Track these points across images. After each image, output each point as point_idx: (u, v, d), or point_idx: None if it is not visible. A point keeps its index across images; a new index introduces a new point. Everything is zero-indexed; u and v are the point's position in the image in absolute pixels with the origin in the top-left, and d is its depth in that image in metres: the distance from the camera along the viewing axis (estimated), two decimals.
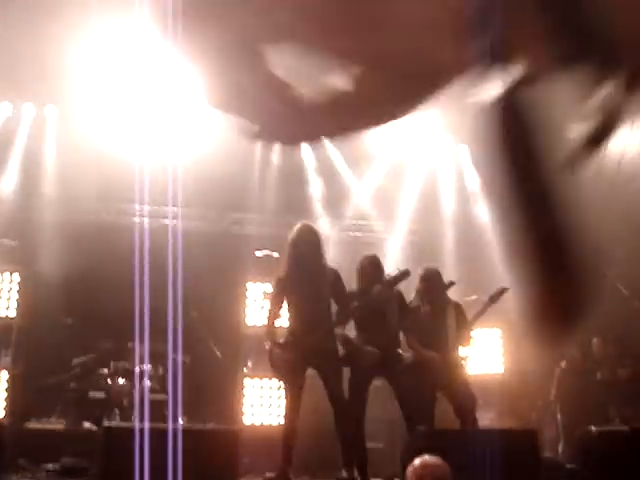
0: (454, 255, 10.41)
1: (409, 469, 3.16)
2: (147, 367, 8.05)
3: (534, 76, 1.53)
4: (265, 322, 6.62)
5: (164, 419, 6.90)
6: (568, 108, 1.73)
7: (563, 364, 9.60)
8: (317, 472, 7.17)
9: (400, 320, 6.26)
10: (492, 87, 1.50)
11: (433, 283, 6.65)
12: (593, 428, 6.08)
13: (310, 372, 6.01)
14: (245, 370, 8.90)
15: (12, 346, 8.60)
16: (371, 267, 6.26)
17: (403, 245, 10.74)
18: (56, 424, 7.84)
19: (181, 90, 9.15)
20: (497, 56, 1.46)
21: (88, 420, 7.83)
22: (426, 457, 3.19)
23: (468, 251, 10.40)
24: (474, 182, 10.99)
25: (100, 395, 7.98)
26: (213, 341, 8.78)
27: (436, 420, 6.45)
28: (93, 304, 9.04)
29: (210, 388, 8.90)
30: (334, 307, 6.13)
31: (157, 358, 8.08)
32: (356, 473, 5.80)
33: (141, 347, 7.79)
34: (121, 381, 8.03)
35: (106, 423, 7.07)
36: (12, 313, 8.79)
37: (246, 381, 8.74)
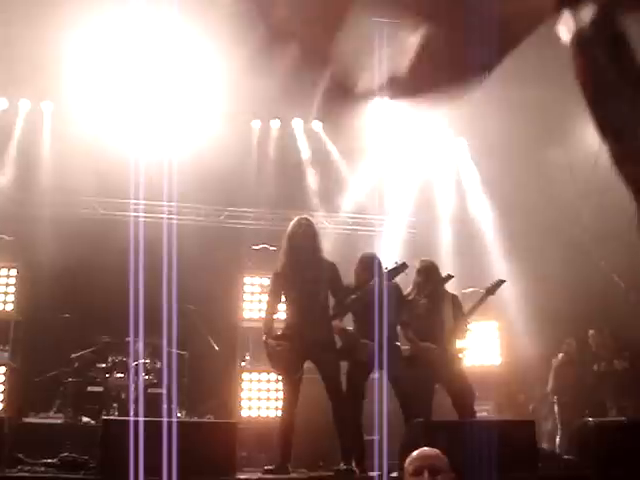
0: (451, 248, 10.43)
1: (407, 461, 3.16)
2: (143, 361, 8.07)
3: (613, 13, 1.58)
4: (263, 315, 6.63)
5: (162, 412, 6.92)
6: None
7: (560, 356, 9.64)
8: (315, 465, 7.18)
9: (398, 313, 6.27)
10: (575, 24, 1.54)
11: (430, 276, 6.67)
12: (590, 419, 6.11)
13: (308, 365, 6.02)
14: (243, 363, 8.92)
15: (10, 341, 8.61)
16: (371, 266, 6.25)
17: (400, 238, 10.75)
18: (54, 418, 7.85)
19: (177, 85, 9.15)
20: None
21: (86, 414, 7.84)
22: (424, 449, 3.19)
23: (465, 244, 10.42)
24: (472, 176, 11.01)
25: (98, 389, 8.00)
26: (211, 335, 8.79)
27: (434, 412, 6.47)
28: (90, 299, 9.06)
29: (208, 381, 8.92)
30: (331, 300, 6.14)
31: (155, 352, 8.10)
32: (354, 465, 5.82)
33: (138, 341, 7.81)
34: (119, 375, 8.04)
35: (104, 417, 7.11)
36: (9, 308, 8.78)
37: (244, 374, 8.75)
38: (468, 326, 6.81)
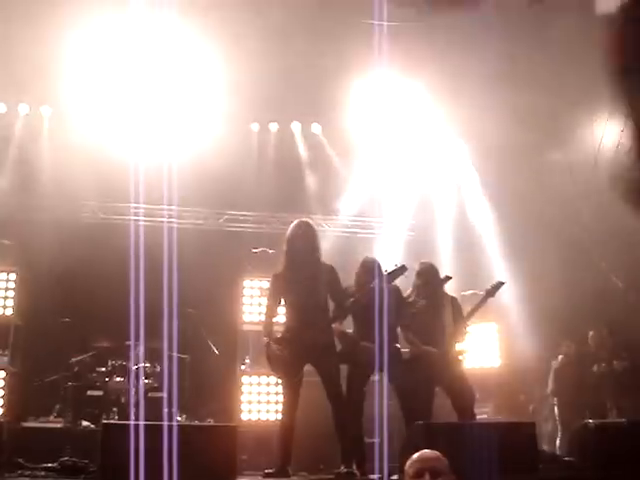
0: (451, 250, 10.42)
1: (407, 463, 3.16)
2: (143, 365, 8.07)
3: None
4: (262, 319, 6.64)
5: (162, 416, 6.91)
6: None
7: (560, 357, 9.64)
8: (316, 468, 7.18)
9: (397, 315, 6.27)
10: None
11: (430, 278, 6.67)
12: (590, 421, 6.10)
13: (308, 368, 6.02)
14: (243, 367, 8.91)
15: (9, 345, 8.60)
16: (372, 269, 6.25)
17: (400, 241, 10.75)
18: (54, 422, 7.85)
19: (176, 88, 9.16)
20: None
21: (86, 418, 7.84)
22: (425, 451, 3.19)
23: (464, 246, 10.42)
24: (471, 178, 11.01)
25: (98, 393, 7.99)
26: (211, 338, 8.80)
27: (434, 414, 6.47)
28: (90, 303, 9.06)
29: (208, 385, 8.92)
30: (331, 304, 6.14)
31: (155, 356, 8.10)
32: (355, 468, 5.81)
33: (138, 345, 7.81)
34: (119, 379, 8.04)
35: (104, 421, 7.10)
36: (9, 312, 8.78)
37: (244, 378, 8.75)
38: (467, 328, 6.81)
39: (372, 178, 10.52)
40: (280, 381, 6.38)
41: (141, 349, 7.93)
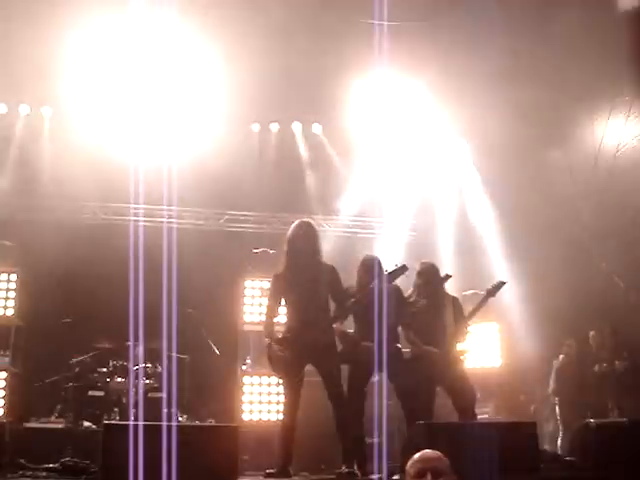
0: (452, 250, 10.42)
1: (409, 463, 3.16)
2: (144, 365, 8.07)
3: None
4: (263, 319, 6.63)
5: (163, 417, 6.91)
6: None
7: (561, 357, 9.64)
8: (317, 468, 7.18)
9: (398, 315, 6.27)
10: None
11: (431, 278, 6.66)
12: (592, 420, 6.10)
13: (309, 368, 6.01)
14: (244, 367, 8.92)
15: (11, 346, 8.61)
16: (373, 268, 6.25)
17: (401, 241, 10.76)
18: (56, 423, 7.85)
19: (176, 90, 9.17)
20: None
21: (87, 419, 7.84)
22: (426, 451, 3.19)
23: (465, 246, 10.42)
24: (472, 177, 11.01)
25: (99, 394, 7.99)
26: (212, 339, 8.80)
27: (435, 414, 6.47)
28: (91, 303, 9.06)
29: (209, 385, 8.93)
30: (332, 304, 6.14)
31: (157, 356, 8.10)
32: (356, 468, 5.81)
33: (139, 346, 7.82)
34: (120, 379, 8.04)
35: (105, 421, 7.10)
36: (10, 313, 8.78)
37: (245, 378, 8.75)
38: (468, 328, 6.80)
39: (373, 178, 10.52)
40: (281, 381, 6.38)
41: (141, 349, 7.93)
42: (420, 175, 10.90)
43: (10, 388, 8.32)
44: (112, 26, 8.31)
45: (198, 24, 8.15)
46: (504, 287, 6.83)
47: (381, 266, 6.24)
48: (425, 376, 6.30)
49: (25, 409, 8.23)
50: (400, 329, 6.43)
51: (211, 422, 8.09)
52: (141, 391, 7.85)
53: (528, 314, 9.69)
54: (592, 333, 9.55)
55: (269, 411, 8.62)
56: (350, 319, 6.33)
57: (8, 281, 8.86)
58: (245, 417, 8.59)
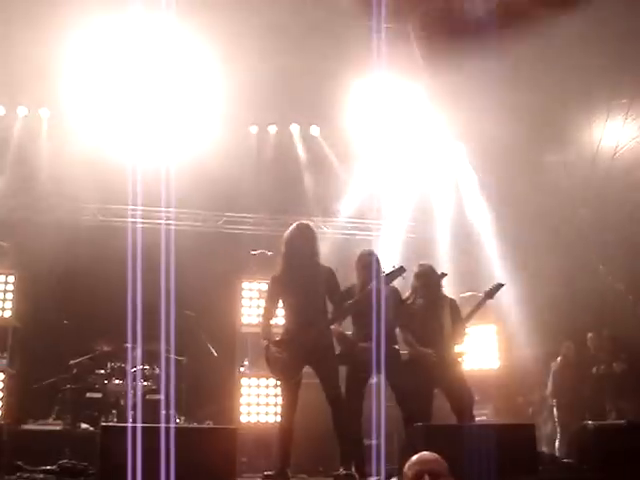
0: (449, 252, 10.42)
1: (407, 465, 3.15)
2: (142, 367, 8.06)
3: None
4: (261, 321, 6.63)
5: (161, 418, 6.91)
6: None
7: (559, 359, 9.64)
8: (315, 470, 7.18)
9: (396, 317, 6.27)
10: None
11: (428, 280, 6.66)
12: (590, 422, 6.10)
13: (307, 370, 6.01)
14: (242, 369, 8.91)
15: (8, 348, 8.61)
16: (370, 263, 6.26)
17: (398, 242, 10.76)
18: (53, 425, 7.84)
19: (174, 91, 9.17)
20: None
21: (85, 420, 7.83)
22: (424, 453, 3.18)
23: (463, 248, 10.43)
24: (470, 179, 11.02)
25: (97, 395, 7.98)
26: (209, 340, 8.79)
27: (433, 416, 6.46)
28: (89, 305, 9.05)
29: (207, 387, 8.92)
30: (330, 305, 6.14)
31: (155, 358, 8.09)
32: (354, 470, 5.81)
33: (137, 348, 7.81)
34: (118, 381, 8.03)
35: (103, 423, 7.09)
36: (7, 314, 8.78)
37: (243, 380, 8.74)
38: (466, 330, 6.81)
39: (371, 180, 10.53)
40: (279, 383, 6.38)
41: (138, 351, 7.92)
42: (418, 177, 10.90)
43: (7, 390, 8.32)
44: (110, 28, 8.31)
45: (196, 26, 8.15)
46: (502, 289, 6.84)
47: (379, 262, 6.25)
48: (423, 378, 6.29)
49: (23, 411, 8.22)
50: (398, 331, 6.43)
51: (209, 424, 8.08)
52: (139, 393, 7.84)
53: (526, 316, 9.69)
54: (590, 335, 9.56)
55: (267, 413, 8.62)
56: (348, 321, 6.33)
57: (6, 282, 8.87)
58: (243, 419, 8.59)
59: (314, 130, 10.67)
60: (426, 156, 10.88)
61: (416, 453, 3.21)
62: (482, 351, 9.55)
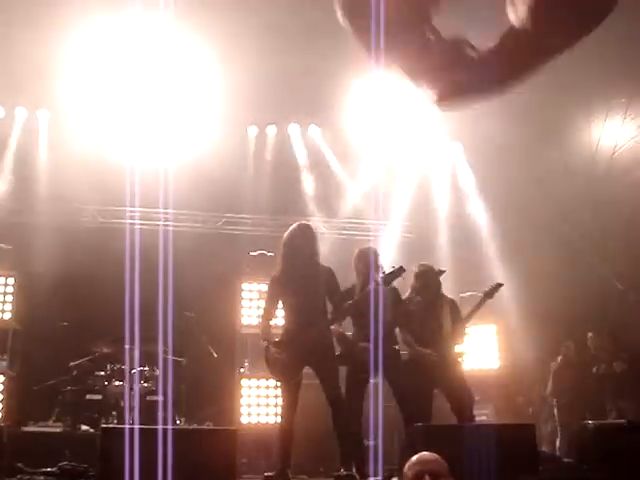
0: (449, 252, 10.43)
1: (406, 466, 3.16)
2: (142, 369, 8.05)
3: None
4: (261, 321, 6.63)
5: (161, 420, 6.90)
6: None
7: (559, 359, 9.64)
8: (315, 471, 7.18)
9: (395, 317, 6.27)
10: None
11: (428, 280, 6.66)
12: (590, 422, 6.10)
13: (307, 370, 6.01)
14: (242, 370, 8.91)
15: (8, 350, 8.60)
16: (368, 258, 6.25)
17: (398, 243, 10.76)
18: (53, 427, 7.83)
19: (173, 92, 9.16)
20: None
21: (85, 422, 7.82)
22: (424, 453, 3.19)
23: (462, 248, 10.43)
24: (468, 180, 11.02)
25: (97, 397, 7.97)
26: (209, 342, 8.78)
27: (433, 416, 6.46)
28: (89, 307, 9.05)
29: (207, 388, 8.91)
30: (329, 306, 6.14)
31: (155, 359, 8.08)
32: (354, 471, 5.81)
33: (136, 349, 7.80)
34: (118, 383, 8.03)
35: (103, 425, 7.09)
36: (7, 317, 8.78)
37: (243, 381, 8.74)
38: (467, 330, 6.81)
39: (370, 180, 10.53)
40: (279, 384, 6.38)
41: (136, 352, 7.91)
42: (416, 177, 10.91)
43: (8, 392, 8.31)
44: (108, 29, 8.30)
45: (195, 27, 8.14)
46: (501, 289, 6.84)
47: (377, 257, 6.25)
48: (423, 378, 6.29)
49: (23, 413, 8.21)
50: (397, 331, 6.44)
51: (209, 425, 8.08)
52: (139, 395, 7.83)
53: (526, 316, 9.69)
54: (590, 335, 9.55)
55: (267, 414, 8.61)
56: (348, 321, 6.33)
57: (5, 284, 8.86)
58: (243, 420, 8.58)
59: (313, 130, 10.67)
60: (425, 156, 10.88)
61: (416, 453, 3.21)
62: (482, 351, 9.55)
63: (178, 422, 7.84)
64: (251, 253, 9.53)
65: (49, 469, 5.54)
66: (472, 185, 10.95)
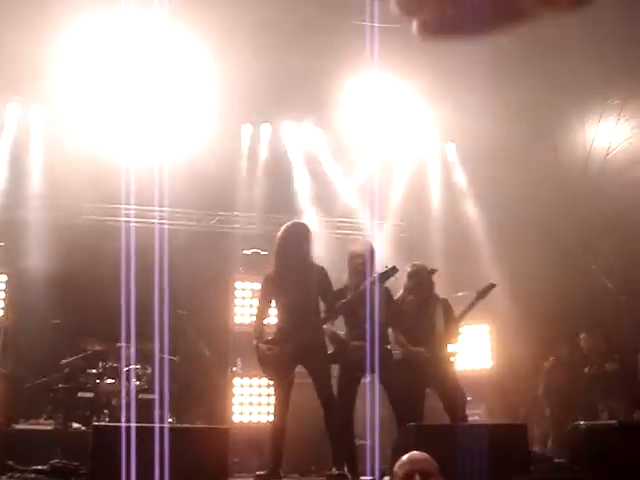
0: (442, 252, 10.42)
1: (397, 465, 3.16)
2: (134, 367, 8.04)
3: None
4: (254, 320, 6.62)
5: (153, 418, 6.89)
6: None
7: (551, 359, 9.65)
8: (307, 470, 7.18)
9: (388, 316, 6.27)
10: None
11: (421, 279, 6.66)
12: (582, 422, 6.11)
13: (299, 370, 6.01)
14: (234, 369, 8.90)
15: (0, 347, 8.57)
16: (363, 257, 6.24)
17: (391, 242, 10.75)
18: (45, 424, 7.82)
19: (167, 89, 9.15)
20: None
21: (77, 420, 7.81)
22: (414, 453, 3.19)
23: (456, 248, 10.42)
24: (462, 179, 11.02)
25: (89, 395, 7.96)
26: (202, 340, 8.78)
27: (426, 416, 6.47)
28: (81, 304, 9.02)
29: (199, 387, 8.90)
30: (322, 305, 6.14)
31: (146, 357, 8.07)
32: (346, 470, 5.81)
33: (129, 347, 7.79)
34: (109, 381, 8.02)
35: (95, 423, 7.08)
36: None
37: (235, 380, 8.73)
38: (459, 330, 6.81)
39: (364, 179, 10.52)
40: (271, 383, 6.38)
41: (131, 350, 7.90)
42: (410, 176, 10.91)
43: None
44: (102, 26, 8.28)
45: (189, 23, 8.13)
46: (494, 289, 6.84)
47: (373, 254, 6.24)
48: (415, 377, 6.30)
49: (14, 410, 8.18)
50: (390, 330, 6.44)
51: (201, 424, 8.07)
52: (129, 392, 7.82)
53: (519, 316, 9.69)
54: (583, 335, 9.56)
55: (259, 413, 8.60)
56: (340, 321, 6.33)
57: None
58: (235, 419, 8.57)
59: (307, 128, 10.66)
60: (419, 155, 10.89)
61: (407, 453, 3.21)
62: (475, 351, 9.55)
63: (170, 420, 7.82)
64: (244, 252, 9.52)
65: (40, 467, 5.53)
66: (466, 185, 10.95)
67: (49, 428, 7.71)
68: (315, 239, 6.47)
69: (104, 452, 4.89)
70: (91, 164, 9.07)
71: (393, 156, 10.65)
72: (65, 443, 7.02)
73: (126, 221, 9.10)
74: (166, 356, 7.44)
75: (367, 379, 6.09)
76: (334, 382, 6.08)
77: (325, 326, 6.05)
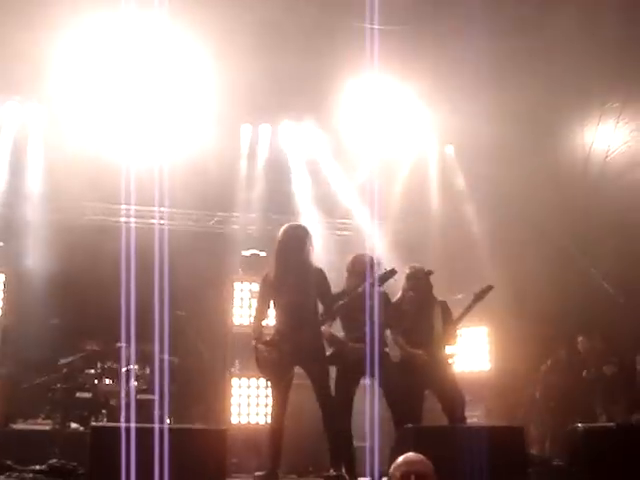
0: (440, 254, 10.42)
1: (393, 466, 3.17)
2: (133, 367, 8.04)
3: None
4: (252, 321, 6.62)
5: (151, 419, 6.90)
6: None
7: (549, 362, 9.65)
8: (305, 471, 7.18)
9: (386, 318, 6.27)
10: None
11: (419, 281, 6.66)
12: (579, 425, 6.11)
13: (298, 371, 6.01)
14: (232, 370, 8.90)
15: None
16: (364, 266, 6.23)
17: (390, 244, 10.75)
18: (43, 425, 7.82)
19: (167, 90, 9.15)
20: None
21: (75, 420, 7.81)
22: (409, 454, 3.20)
23: (454, 250, 10.42)
24: (461, 181, 11.02)
25: (87, 395, 7.97)
26: (200, 341, 8.78)
27: (424, 418, 6.47)
28: (80, 304, 9.03)
29: (197, 388, 8.91)
30: (321, 306, 6.14)
31: (145, 358, 8.08)
32: (344, 471, 5.81)
33: (128, 347, 7.79)
34: (108, 381, 8.02)
35: (93, 423, 7.08)
36: None
37: (234, 380, 8.73)
38: (458, 332, 6.81)
39: (363, 180, 10.52)
40: (269, 384, 6.38)
41: (129, 350, 7.91)
42: (409, 177, 10.91)
43: None
44: (102, 26, 8.29)
45: (189, 23, 8.14)
46: (492, 291, 6.83)
47: (373, 267, 6.24)
48: (413, 379, 6.30)
49: (12, 410, 8.19)
50: (388, 332, 6.43)
51: (200, 425, 8.06)
52: (130, 393, 7.82)
53: (518, 318, 9.70)
54: (581, 338, 9.57)
55: (258, 414, 8.61)
56: (338, 322, 6.33)
57: None
58: (234, 420, 8.58)
59: (307, 129, 10.65)
60: (417, 156, 10.89)
61: (403, 454, 3.22)
62: (473, 353, 9.56)
63: (168, 421, 7.82)
64: (243, 253, 9.52)
65: (38, 467, 5.53)
66: (464, 187, 10.95)
67: (47, 428, 7.71)
68: (314, 240, 6.47)
69: (102, 453, 4.88)
70: (91, 164, 9.08)
71: (393, 157, 10.65)
72: (63, 443, 7.03)
73: (126, 221, 9.10)
74: (165, 356, 7.45)
75: (366, 381, 6.09)
76: (332, 383, 6.08)
77: (323, 328, 6.05)
